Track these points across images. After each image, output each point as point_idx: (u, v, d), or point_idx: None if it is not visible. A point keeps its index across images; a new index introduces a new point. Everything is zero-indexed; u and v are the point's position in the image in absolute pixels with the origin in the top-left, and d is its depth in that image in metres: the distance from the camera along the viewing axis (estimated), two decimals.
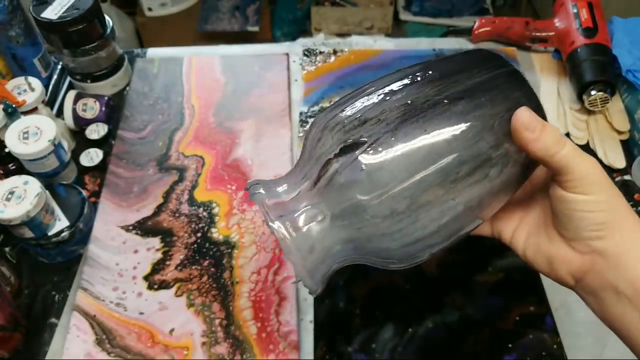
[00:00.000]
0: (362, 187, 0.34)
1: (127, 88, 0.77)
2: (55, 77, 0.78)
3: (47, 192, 0.57)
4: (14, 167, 0.64)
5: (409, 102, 0.35)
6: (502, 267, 0.56)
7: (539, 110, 0.37)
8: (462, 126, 0.35)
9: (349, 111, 0.36)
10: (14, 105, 0.63)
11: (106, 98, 0.73)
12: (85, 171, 0.67)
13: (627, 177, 0.66)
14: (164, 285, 0.56)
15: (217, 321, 0.53)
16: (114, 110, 0.74)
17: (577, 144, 0.69)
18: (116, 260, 0.58)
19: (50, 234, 0.57)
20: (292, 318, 0.53)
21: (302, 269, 0.35)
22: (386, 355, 0.51)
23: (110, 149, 0.69)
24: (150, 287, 0.56)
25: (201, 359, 0.51)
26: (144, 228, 0.61)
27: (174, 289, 0.56)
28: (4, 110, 0.63)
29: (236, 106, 0.73)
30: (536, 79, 0.78)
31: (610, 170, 0.67)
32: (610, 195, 0.35)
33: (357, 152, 0.34)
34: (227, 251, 0.58)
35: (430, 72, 0.37)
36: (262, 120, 0.71)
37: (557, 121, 0.72)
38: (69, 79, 0.78)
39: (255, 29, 1.74)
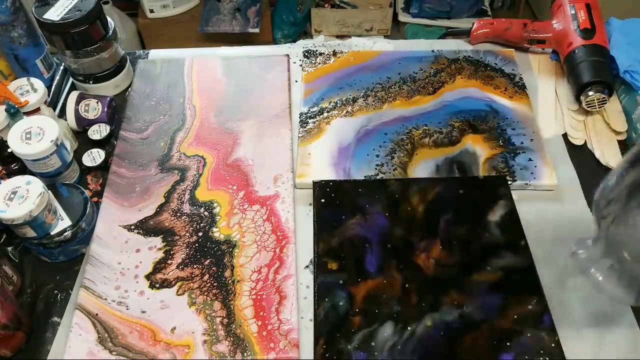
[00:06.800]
0: None
1: (129, 89, 0.78)
2: (57, 78, 0.79)
3: (49, 192, 0.58)
4: (16, 167, 0.64)
5: None
6: (501, 266, 0.56)
7: None
8: None
9: None
10: (16, 106, 0.64)
11: (108, 99, 0.73)
12: (88, 171, 0.68)
13: None
14: (165, 284, 0.57)
15: (218, 319, 0.54)
16: (116, 110, 0.75)
17: (574, 145, 0.70)
18: (118, 260, 0.58)
19: (52, 233, 0.57)
20: (293, 316, 0.54)
21: None
22: (385, 354, 0.51)
23: (112, 149, 0.70)
24: (152, 286, 0.56)
25: (202, 357, 0.51)
26: (145, 227, 0.61)
27: (175, 288, 0.56)
28: (7, 110, 0.64)
29: (237, 107, 0.74)
30: (534, 80, 0.78)
31: (607, 171, 0.67)
32: None
33: None
34: (228, 250, 0.59)
35: None
36: (263, 120, 0.72)
37: (555, 122, 0.73)
38: (71, 79, 0.79)
39: (256, 30, 1.75)
